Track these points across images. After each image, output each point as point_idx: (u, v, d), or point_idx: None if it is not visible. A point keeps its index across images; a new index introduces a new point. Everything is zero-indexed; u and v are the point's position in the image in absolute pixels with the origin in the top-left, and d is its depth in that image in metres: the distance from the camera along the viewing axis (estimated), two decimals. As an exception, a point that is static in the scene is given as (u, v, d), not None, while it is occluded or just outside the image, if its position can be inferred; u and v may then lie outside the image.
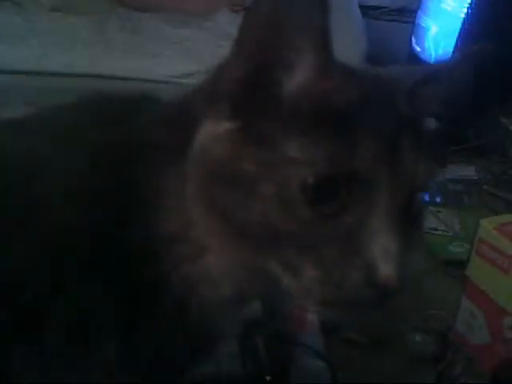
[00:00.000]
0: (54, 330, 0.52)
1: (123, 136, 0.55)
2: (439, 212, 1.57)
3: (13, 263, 0.51)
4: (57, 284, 0.52)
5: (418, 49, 2.17)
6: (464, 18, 1.91)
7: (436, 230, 1.51)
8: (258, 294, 0.61)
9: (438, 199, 1.67)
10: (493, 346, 1.05)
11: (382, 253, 0.46)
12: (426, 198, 1.67)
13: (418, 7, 2.19)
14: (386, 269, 0.46)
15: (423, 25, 2.15)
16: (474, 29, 1.91)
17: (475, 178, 1.75)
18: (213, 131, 0.52)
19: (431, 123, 2.01)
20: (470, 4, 1.89)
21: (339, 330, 1.07)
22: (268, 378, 0.83)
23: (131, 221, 0.53)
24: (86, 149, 0.55)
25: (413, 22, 2.22)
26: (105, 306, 0.53)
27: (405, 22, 2.25)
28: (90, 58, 1.68)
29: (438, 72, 0.57)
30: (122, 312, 0.53)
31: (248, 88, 0.50)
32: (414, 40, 2.21)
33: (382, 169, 0.48)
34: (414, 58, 2.18)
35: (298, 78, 0.49)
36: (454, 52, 1.94)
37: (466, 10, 1.91)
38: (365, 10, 2.07)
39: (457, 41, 1.93)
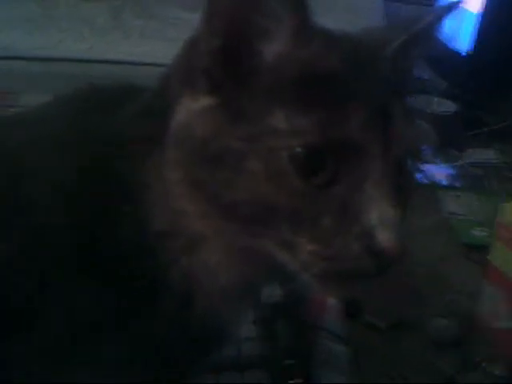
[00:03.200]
0: (48, 330, 0.51)
1: (108, 131, 0.54)
2: (459, 196, 1.56)
3: (2, 262, 0.50)
4: (47, 284, 0.51)
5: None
6: (483, 3, 1.89)
7: (457, 214, 1.49)
8: (262, 282, 0.60)
9: (457, 184, 1.66)
10: (515, 330, 1.04)
11: (380, 220, 0.45)
12: (446, 181, 1.67)
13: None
14: (385, 236, 0.45)
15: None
16: (493, 12, 1.89)
17: (495, 162, 1.73)
18: (191, 109, 0.50)
19: (450, 107, 2.00)
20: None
21: (360, 314, 1.06)
22: (289, 362, 0.83)
23: (121, 218, 0.52)
24: (73, 146, 0.54)
25: (433, 5, 2.19)
26: (100, 307, 0.52)
27: (425, 5, 2.23)
28: (107, 43, 1.67)
29: (417, 31, 0.55)
30: (119, 312, 0.52)
31: (224, 60, 0.48)
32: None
33: (372, 135, 0.47)
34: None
35: (275, 45, 0.48)
36: (473, 35, 1.92)
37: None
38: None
39: (477, 21, 1.91)
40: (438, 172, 1.68)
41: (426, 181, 1.65)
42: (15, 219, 0.51)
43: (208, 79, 0.49)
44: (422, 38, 0.56)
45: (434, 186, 1.62)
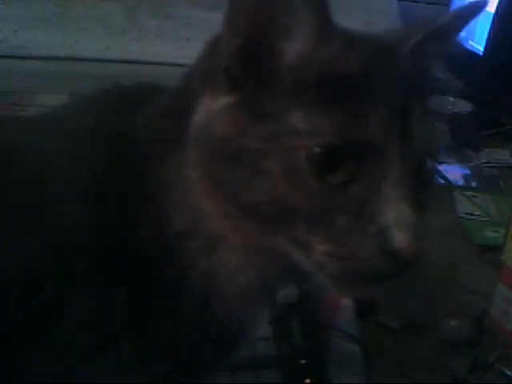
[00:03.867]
0: (67, 330, 0.51)
1: (131, 131, 0.54)
2: (474, 197, 1.56)
3: (26, 263, 0.51)
4: (69, 284, 0.52)
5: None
6: (499, 2, 1.88)
7: (471, 214, 1.49)
8: (279, 283, 0.60)
9: (473, 184, 1.65)
10: (528, 332, 1.04)
11: (397, 220, 0.45)
12: (462, 181, 1.66)
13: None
14: (401, 236, 0.44)
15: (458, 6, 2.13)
16: (509, 11, 1.88)
17: (510, 161, 1.72)
18: (211, 108, 0.50)
19: (466, 107, 1.99)
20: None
21: (373, 314, 1.07)
22: (303, 361, 0.83)
23: (141, 218, 0.52)
24: (97, 148, 0.54)
25: (448, 5, 2.19)
26: (118, 306, 0.52)
27: (442, 5, 2.22)
28: (124, 43, 1.68)
29: (435, 29, 0.55)
30: (137, 312, 0.53)
31: (245, 59, 0.48)
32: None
33: (392, 135, 0.46)
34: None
35: (296, 44, 0.48)
36: (489, 34, 1.92)
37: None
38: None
39: (493, 21, 1.91)
40: (453, 172, 1.68)
41: (441, 181, 1.65)
42: (41, 219, 0.52)
43: (228, 78, 0.49)
44: (441, 36, 0.56)
45: (449, 186, 1.62)
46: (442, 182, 1.64)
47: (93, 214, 0.52)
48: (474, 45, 2.01)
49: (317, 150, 0.45)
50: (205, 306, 0.55)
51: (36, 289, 0.51)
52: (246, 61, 0.48)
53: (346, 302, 0.87)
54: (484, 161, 1.73)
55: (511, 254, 1.08)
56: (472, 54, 2.00)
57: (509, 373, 1.01)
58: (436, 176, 1.65)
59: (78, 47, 1.62)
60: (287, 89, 0.47)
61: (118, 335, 0.53)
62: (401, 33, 0.56)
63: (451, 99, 1.94)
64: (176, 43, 1.75)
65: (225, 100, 0.49)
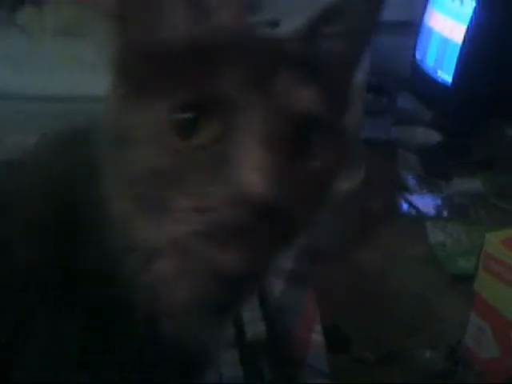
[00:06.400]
0: (28, 367, 0.51)
1: (73, 165, 0.55)
2: (446, 226, 1.57)
3: None
4: (20, 321, 0.52)
5: (421, 62, 2.17)
6: (465, 32, 1.92)
7: (444, 244, 1.50)
8: (228, 296, 0.58)
9: (444, 213, 1.67)
10: (502, 360, 1.05)
11: (250, 166, 0.44)
12: (433, 211, 1.68)
13: (420, 21, 2.19)
14: (252, 180, 0.44)
15: (425, 38, 2.17)
16: (476, 42, 1.92)
17: (481, 190, 1.74)
18: (109, 104, 0.53)
19: (435, 137, 2.02)
20: (471, 19, 1.90)
21: (346, 348, 1.07)
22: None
23: (86, 246, 0.52)
24: (43, 184, 0.55)
25: (415, 36, 2.23)
26: (73, 336, 0.52)
27: (408, 36, 2.25)
28: (96, 81, 1.67)
29: (334, 10, 0.56)
30: (90, 338, 0.53)
31: (127, 51, 0.52)
32: (417, 53, 2.21)
33: (248, 91, 0.47)
34: (418, 71, 2.19)
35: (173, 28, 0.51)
36: (457, 65, 1.95)
37: (467, 26, 1.92)
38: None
39: (460, 51, 1.94)
40: (425, 202, 1.70)
41: (412, 212, 1.66)
42: None
43: (117, 75, 0.53)
44: (331, 17, 0.57)
45: (421, 217, 1.64)
46: (414, 212, 1.66)
47: (40, 249, 0.52)
48: (443, 75, 2.03)
49: (176, 110, 0.47)
50: (153, 326, 0.54)
51: None
52: (126, 53, 0.52)
53: (318, 338, 0.87)
54: (455, 190, 1.75)
55: (483, 283, 1.09)
56: (440, 85, 2.03)
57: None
58: (406, 206, 1.67)
59: (49, 85, 1.62)
60: (155, 65, 0.50)
61: (75, 363, 0.52)
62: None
63: (421, 129, 1.96)
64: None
65: (115, 94, 0.52)
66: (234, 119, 0.47)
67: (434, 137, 1.92)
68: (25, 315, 0.52)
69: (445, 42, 2.05)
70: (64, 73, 1.68)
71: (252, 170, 0.44)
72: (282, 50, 0.52)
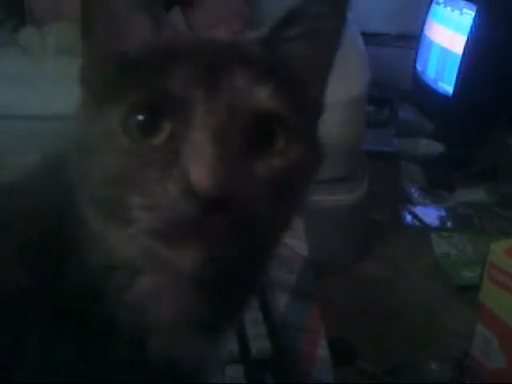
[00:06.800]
0: None
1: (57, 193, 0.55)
2: (451, 237, 1.57)
3: None
4: (11, 345, 0.52)
5: (422, 73, 2.18)
6: (465, 43, 1.92)
7: (448, 255, 1.50)
8: (215, 312, 0.58)
9: (448, 224, 1.67)
10: (509, 371, 1.04)
11: (195, 159, 0.44)
12: (437, 222, 1.68)
13: (420, 33, 2.20)
14: (197, 172, 0.44)
15: (426, 50, 2.17)
16: (476, 52, 1.92)
17: (485, 200, 1.74)
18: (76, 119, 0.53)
19: (438, 148, 2.01)
20: (471, 29, 1.90)
21: (353, 361, 1.06)
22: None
23: (70, 266, 0.52)
24: (30, 210, 0.55)
25: (415, 48, 2.23)
26: (61, 358, 0.52)
27: (408, 48, 2.26)
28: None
29: (292, 13, 0.57)
30: (78, 360, 0.52)
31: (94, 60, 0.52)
32: (418, 65, 2.22)
33: (196, 89, 0.48)
34: (419, 83, 2.19)
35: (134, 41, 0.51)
36: (457, 76, 1.95)
37: (467, 36, 1.92)
38: (367, 37, 2.07)
39: (460, 62, 1.94)
40: (429, 214, 1.70)
41: (416, 223, 1.66)
42: None
43: (83, 89, 0.52)
44: (293, 20, 0.57)
45: (425, 228, 1.63)
46: (418, 223, 1.66)
47: (28, 272, 0.52)
48: (444, 86, 2.04)
49: (124, 112, 0.47)
50: (141, 346, 0.54)
51: None
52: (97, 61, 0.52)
53: (323, 352, 0.87)
54: (458, 200, 1.75)
55: (488, 293, 1.08)
56: (442, 96, 2.04)
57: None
58: (410, 218, 1.66)
59: (51, 105, 1.63)
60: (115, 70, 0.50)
61: None
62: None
63: (423, 141, 1.97)
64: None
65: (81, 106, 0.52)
66: (185, 117, 0.47)
67: (436, 148, 1.92)
68: (15, 339, 0.52)
69: (445, 53, 2.06)
70: (65, 91, 1.69)
71: (198, 163, 0.44)
72: (237, 51, 0.53)
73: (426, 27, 2.20)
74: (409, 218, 1.68)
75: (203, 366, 0.57)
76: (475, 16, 1.91)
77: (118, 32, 0.51)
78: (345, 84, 1.69)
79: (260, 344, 0.80)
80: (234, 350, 0.78)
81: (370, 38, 2.14)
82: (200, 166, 0.45)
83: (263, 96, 0.50)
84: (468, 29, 1.93)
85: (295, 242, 0.94)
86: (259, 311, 0.84)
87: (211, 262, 0.46)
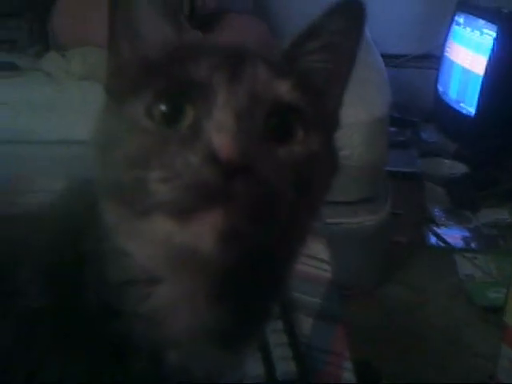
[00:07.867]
0: None
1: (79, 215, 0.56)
2: (475, 258, 1.56)
3: None
4: (37, 365, 0.52)
5: (444, 94, 2.18)
6: (487, 63, 1.92)
7: (473, 276, 1.49)
8: (232, 321, 0.58)
9: (472, 245, 1.66)
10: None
11: (217, 128, 0.45)
12: (461, 243, 1.67)
13: (441, 54, 2.20)
14: (219, 140, 0.44)
15: (447, 70, 2.18)
16: (497, 72, 1.92)
17: (509, 221, 1.73)
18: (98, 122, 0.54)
19: (461, 168, 2.01)
20: (492, 49, 1.91)
21: (377, 382, 1.06)
22: None
23: (89, 285, 0.53)
24: (53, 236, 0.56)
25: (437, 68, 2.24)
26: (80, 373, 0.52)
27: (429, 68, 2.27)
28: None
29: (311, 29, 0.58)
30: (97, 375, 0.53)
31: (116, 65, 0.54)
32: (439, 85, 2.22)
33: (218, 75, 0.49)
34: (441, 103, 2.19)
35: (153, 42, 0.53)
36: (479, 96, 1.95)
37: (488, 57, 1.92)
38: (387, 59, 2.08)
39: (482, 83, 1.94)
40: (453, 234, 1.69)
41: (441, 244, 1.66)
42: (9, 305, 0.53)
43: (108, 95, 0.54)
44: (313, 34, 0.59)
45: (450, 249, 1.63)
46: (442, 244, 1.65)
47: (51, 294, 0.53)
48: (466, 107, 2.04)
49: (151, 101, 0.48)
50: (158, 358, 0.54)
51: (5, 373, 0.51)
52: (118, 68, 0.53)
53: (347, 375, 0.87)
54: (483, 221, 1.74)
55: (513, 315, 1.08)
56: (464, 116, 2.04)
57: None
58: (434, 239, 1.66)
59: (75, 130, 1.65)
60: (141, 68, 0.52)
61: None
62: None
63: (446, 161, 1.96)
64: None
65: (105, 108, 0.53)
66: (208, 101, 0.48)
67: (459, 168, 1.92)
68: (36, 355, 0.52)
69: (466, 73, 2.06)
70: (88, 117, 1.71)
71: (220, 134, 0.45)
72: (260, 53, 0.54)
73: (447, 48, 2.20)
74: (432, 239, 1.68)
75: (221, 380, 0.57)
76: (496, 36, 1.91)
77: (141, 38, 0.53)
78: (366, 105, 1.69)
79: (285, 366, 0.80)
80: (260, 372, 0.78)
81: (390, 59, 2.14)
82: (223, 135, 0.46)
83: (284, 89, 0.51)
84: (488, 49, 1.94)
85: (320, 264, 0.94)
86: (284, 333, 0.84)
87: (232, 238, 0.46)
